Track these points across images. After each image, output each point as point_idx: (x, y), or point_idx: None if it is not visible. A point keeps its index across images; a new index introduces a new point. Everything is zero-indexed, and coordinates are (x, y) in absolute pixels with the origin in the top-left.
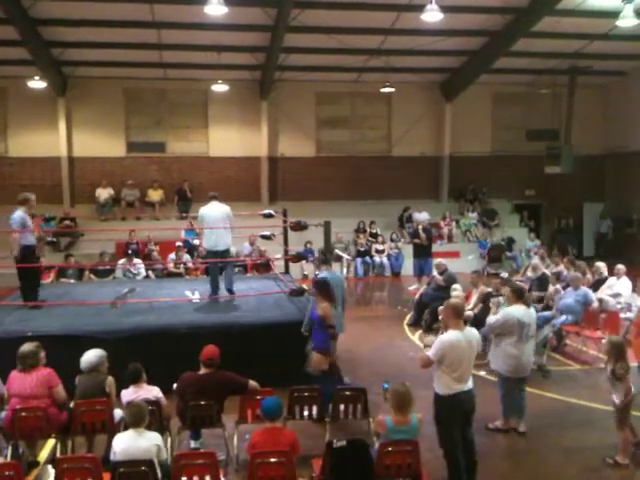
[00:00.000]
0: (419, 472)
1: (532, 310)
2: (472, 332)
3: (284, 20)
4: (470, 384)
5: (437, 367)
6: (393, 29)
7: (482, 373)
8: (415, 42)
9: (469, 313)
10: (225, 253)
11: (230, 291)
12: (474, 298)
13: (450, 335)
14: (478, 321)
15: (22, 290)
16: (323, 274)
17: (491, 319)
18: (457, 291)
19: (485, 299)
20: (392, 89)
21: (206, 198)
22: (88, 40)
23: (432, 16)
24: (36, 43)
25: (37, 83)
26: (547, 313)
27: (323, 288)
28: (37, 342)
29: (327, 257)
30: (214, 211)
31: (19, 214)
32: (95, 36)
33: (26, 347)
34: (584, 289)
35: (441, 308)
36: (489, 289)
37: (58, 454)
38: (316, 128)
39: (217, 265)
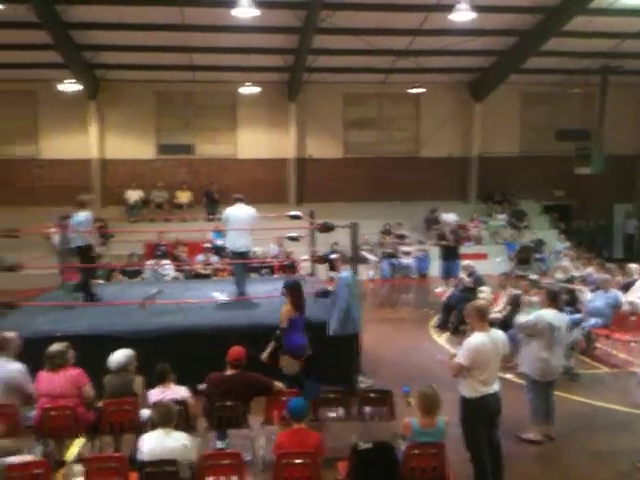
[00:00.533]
0: (445, 475)
1: (563, 314)
2: (498, 334)
3: (313, 22)
4: (496, 386)
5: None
6: (421, 29)
7: (509, 376)
8: (444, 42)
9: (497, 315)
10: (245, 254)
11: (242, 294)
12: (502, 300)
13: (476, 338)
14: (506, 323)
15: (82, 287)
16: (343, 274)
17: (521, 319)
18: (485, 293)
19: (513, 301)
20: (420, 90)
21: (244, 202)
22: (119, 43)
23: (461, 16)
24: (68, 47)
25: (69, 86)
26: (576, 316)
27: (291, 291)
28: (66, 342)
29: (345, 257)
30: (239, 212)
31: (87, 215)
32: (126, 39)
33: (54, 347)
34: (614, 291)
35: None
36: (517, 291)
37: (86, 453)
38: (343, 129)
39: (241, 267)
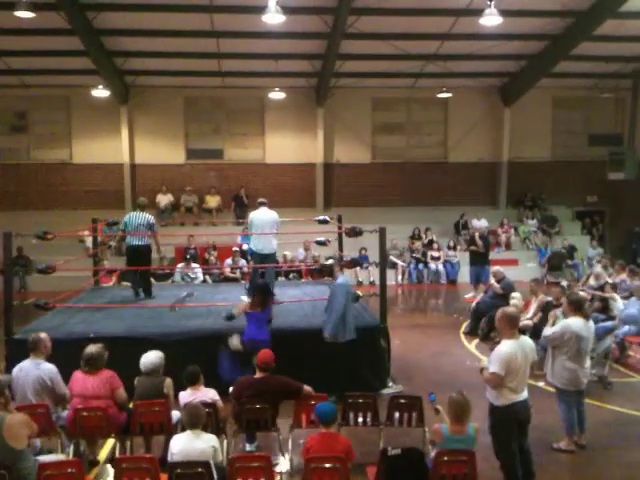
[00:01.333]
0: None
1: (591, 323)
2: (527, 341)
3: (341, 27)
4: (525, 394)
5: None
6: (451, 34)
7: (541, 384)
8: (473, 46)
9: (528, 322)
10: (270, 256)
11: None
12: (533, 307)
13: (507, 346)
14: (537, 331)
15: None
16: (340, 280)
17: (547, 331)
18: (516, 299)
19: (544, 308)
20: (449, 94)
21: (268, 206)
22: (150, 50)
23: (491, 20)
24: (99, 53)
25: (100, 92)
26: (609, 323)
27: (256, 292)
28: (101, 344)
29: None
30: (263, 216)
31: (149, 217)
32: (156, 46)
33: (92, 349)
34: None
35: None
36: (549, 298)
37: (117, 454)
38: (372, 134)
39: (271, 270)
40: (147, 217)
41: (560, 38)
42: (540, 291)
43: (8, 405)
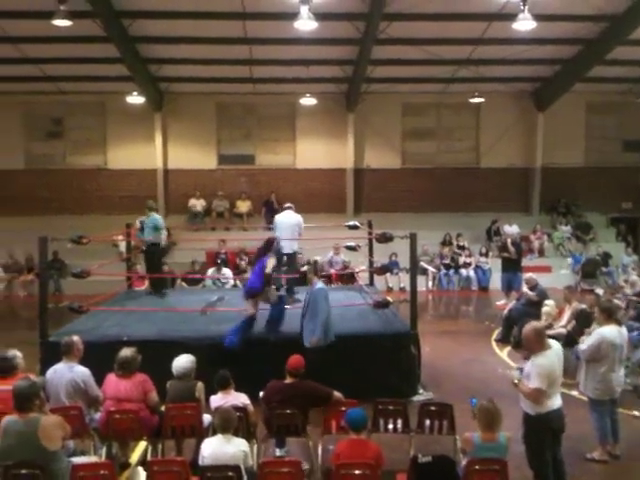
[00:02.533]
0: None
1: (624, 330)
2: (558, 346)
3: (372, 33)
4: (559, 402)
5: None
6: (483, 39)
7: (574, 393)
8: (506, 51)
9: (562, 331)
10: (291, 256)
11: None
12: (567, 315)
13: (546, 359)
14: (571, 339)
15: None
16: (319, 285)
17: (583, 346)
18: (549, 307)
19: (579, 316)
20: (481, 99)
21: (293, 210)
22: (183, 57)
23: (524, 25)
24: (134, 60)
25: (135, 98)
26: None
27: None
28: (134, 348)
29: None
30: (289, 219)
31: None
32: (190, 53)
33: (127, 353)
34: None
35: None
36: (583, 306)
37: (149, 456)
38: (402, 139)
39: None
40: (150, 218)
41: (594, 42)
42: (574, 299)
43: (43, 407)
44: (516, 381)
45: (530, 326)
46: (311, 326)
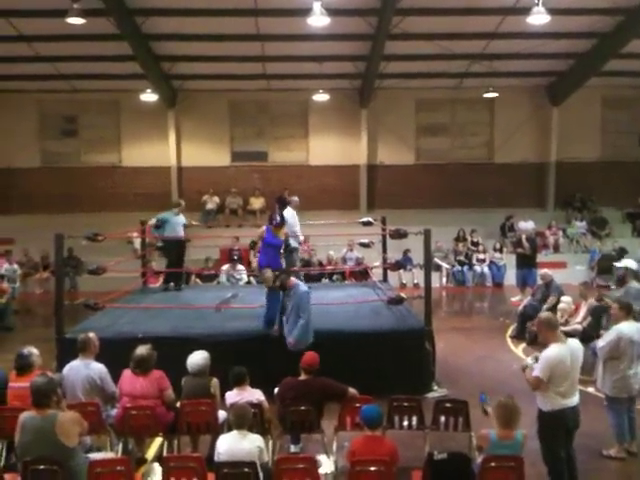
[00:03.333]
0: None
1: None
2: (575, 343)
3: (385, 28)
4: (576, 399)
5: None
6: (497, 33)
7: (591, 389)
8: (520, 45)
9: (577, 327)
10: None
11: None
12: (583, 311)
13: (554, 350)
14: (587, 335)
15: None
16: (303, 287)
17: (601, 343)
18: (564, 303)
19: (594, 312)
20: (495, 94)
21: (306, 207)
22: (196, 54)
23: (538, 19)
24: (148, 58)
25: (148, 96)
26: None
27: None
28: (150, 345)
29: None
30: (292, 215)
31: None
32: (203, 50)
33: (143, 351)
34: None
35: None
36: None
37: (165, 452)
38: (415, 135)
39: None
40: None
41: (609, 36)
42: (590, 295)
43: (60, 403)
44: (526, 366)
45: (542, 315)
46: (290, 327)
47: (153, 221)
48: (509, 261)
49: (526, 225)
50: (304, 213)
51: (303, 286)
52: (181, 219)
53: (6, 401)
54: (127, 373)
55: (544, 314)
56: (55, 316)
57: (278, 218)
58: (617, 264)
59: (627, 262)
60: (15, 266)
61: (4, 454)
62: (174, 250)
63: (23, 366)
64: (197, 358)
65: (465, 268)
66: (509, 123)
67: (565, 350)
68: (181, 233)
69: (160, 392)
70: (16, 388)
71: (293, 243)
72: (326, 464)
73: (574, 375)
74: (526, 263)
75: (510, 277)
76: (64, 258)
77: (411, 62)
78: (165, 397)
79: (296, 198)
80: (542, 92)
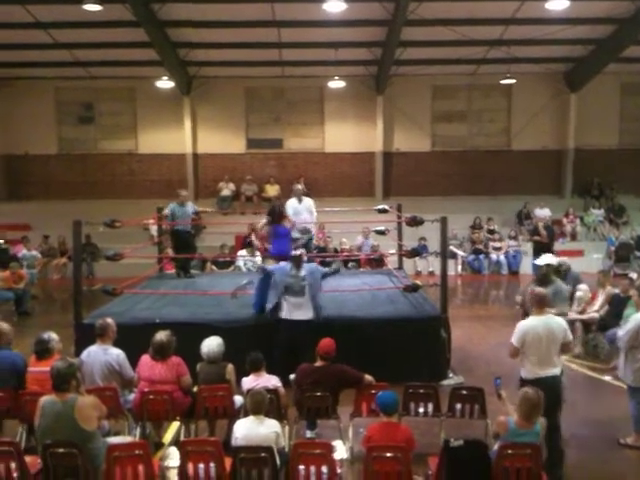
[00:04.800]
0: (539, 477)
1: None
2: (555, 319)
3: (402, 14)
4: (555, 371)
5: (520, 351)
6: (515, 18)
7: (607, 378)
8: (538, 31)
9: (594, 315)
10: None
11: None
12: (600, 299)
13: (528, 321)
14: (604, 323)
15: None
16: (313, 265)
17: (621, 331)
18: (582, 292)
19: (612, 301)
20: (513, 80)
21: (321, 194)
22: (212, 41)
23: (557, 4)
24: (164, 44)
25: (164, 83)
26: None
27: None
28: (169, 331)
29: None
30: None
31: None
32: (219, 37)
33: (163, 338)
34: None
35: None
36: (616, 290)
37: (182, 437)
38: (432, 122)
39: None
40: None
41: (628, 22)
42: (607, 283)
43: (79, 388)
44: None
45: (537, 290)
46: (318, 302)
47: (166, 211)
48: (525, 249)
49: (542, 213)
50: (319, 200)
51: (313, 265)
52: (188, 209)
53: (25, 385)
54: (145, 358)
55: (540, 290)
56: (73, 302)
57: (264, 220)
58: None
59: None
60: (34, 252)
61: (24, 437)
62: (179, 240)
63: (43, 351)
64: (211, 345)
65: (481, 256)
66: (527, 110)
67: (539, 322)
68: (188, 222)
69: (178, 378)
70: (36, 372)
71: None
72: (341, 450)
73: (547, 347)
74: (543, 251)
75: (526, 265)
76: (82, 244)
77: (428, 48)
78: (182, 382)
79: (299, 186)
80: (560, 78)
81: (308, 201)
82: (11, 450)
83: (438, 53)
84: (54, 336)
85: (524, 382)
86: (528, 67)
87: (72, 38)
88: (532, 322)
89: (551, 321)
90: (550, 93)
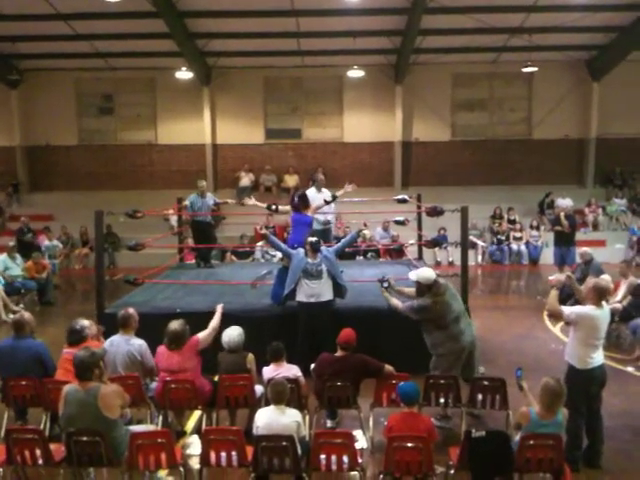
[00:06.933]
0: (561, 468)
1: None
2: (608, 312)
3: (421, 2)
4: (601, 359)
5: (572, 336)
6: (536, 6)
7: (630, 369)
8: (560, 19)
9: (617, 306)
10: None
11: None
12: (622, 289)
13: (590, 309)
14: (627, 314)
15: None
16: (324, 251)
17: None
18: (604, 281)
19: (634, 291)
20: (534, 68)
21: (340, 184)
22: (231, 31)
23: None
24: (183, 35)
25: (184, 74)
26: None
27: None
28: (182, 320)
29: None
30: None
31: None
32: (237, 27)
33: (177, 327)
34: None
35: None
36: (639, 280)
37: (204, 425)
38: (451, 111)
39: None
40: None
41: None
42: (630, 273)
43: (103, 376)
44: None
45: (600, 281)
46: (341, 282)
47: (186, 202)
48: (546, 239)
49: (564, 202)
50: (338, 190)
51: (325, 250)
52: (207, 200)
53: (51, 373)
54: (162, 349)
55: (604, 282)
56: (96, 291)
57: (296, 199)
58: None
59: None
60: (56, 242)
61: (48, 425)
62: (199, 231)
63: (75, 341)
64: (233, 334)
65: (502, 246)
66: (548, 98)
67: (600, 313)
68: (207, 213)
69: (197, 359)
70: (70, 353)
71: (316, 225)
72: (362, 440)
73: (600, 334)
74: (565, 241)
75: (547, 256)
76: (104, 234)
77: (448, 36)
78: (203, 344)
79: (321, 176)
80: (582, 66)
81: (327, 191)
82: (36, 437)
83: (458, 41)
84: (86, 323)
85: (577, 372)
86: (549, 55)
87: (92, 29)
88: (594, 312)
89: (608, 314)
90: (572, 81)
